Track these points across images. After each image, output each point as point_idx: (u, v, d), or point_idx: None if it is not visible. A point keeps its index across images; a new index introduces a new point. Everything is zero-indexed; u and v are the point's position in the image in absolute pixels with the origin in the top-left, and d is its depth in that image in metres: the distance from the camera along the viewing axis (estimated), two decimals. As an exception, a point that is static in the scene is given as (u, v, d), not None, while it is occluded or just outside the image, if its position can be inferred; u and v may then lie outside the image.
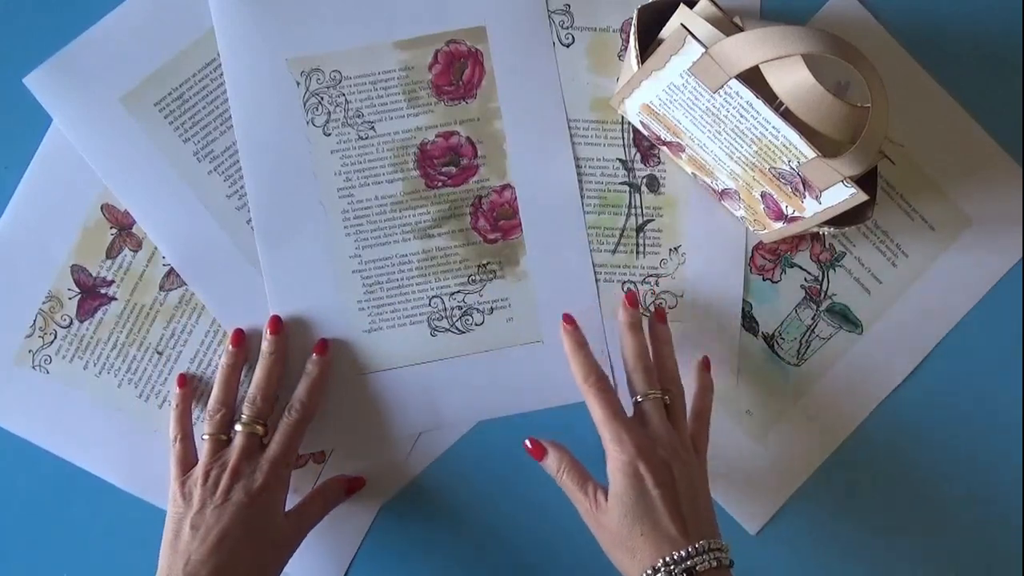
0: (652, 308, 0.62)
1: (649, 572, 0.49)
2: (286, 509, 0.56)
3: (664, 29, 0.55)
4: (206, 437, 0.56)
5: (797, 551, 0.62)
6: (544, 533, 0.62)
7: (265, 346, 0.59)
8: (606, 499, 0.52)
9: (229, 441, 0.57)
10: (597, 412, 0.54)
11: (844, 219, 0.54)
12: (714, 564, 0.49)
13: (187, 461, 0.57)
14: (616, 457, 0.52)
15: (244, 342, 0.60)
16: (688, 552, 0.48)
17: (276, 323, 0.60)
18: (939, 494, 0.63)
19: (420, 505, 0.62)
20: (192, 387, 0.60)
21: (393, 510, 0.62)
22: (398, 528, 0.62)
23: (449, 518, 0.62)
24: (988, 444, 0.63)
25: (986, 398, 0.63)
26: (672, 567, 0.48)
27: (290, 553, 0.56)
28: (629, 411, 0.55)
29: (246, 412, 0.57)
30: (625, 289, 0.62)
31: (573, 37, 0.62)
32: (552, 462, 0.55)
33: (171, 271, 0.61)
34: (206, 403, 0.58)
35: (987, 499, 0.63)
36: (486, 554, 0.62)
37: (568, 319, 0.59)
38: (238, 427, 0.56)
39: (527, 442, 0.56)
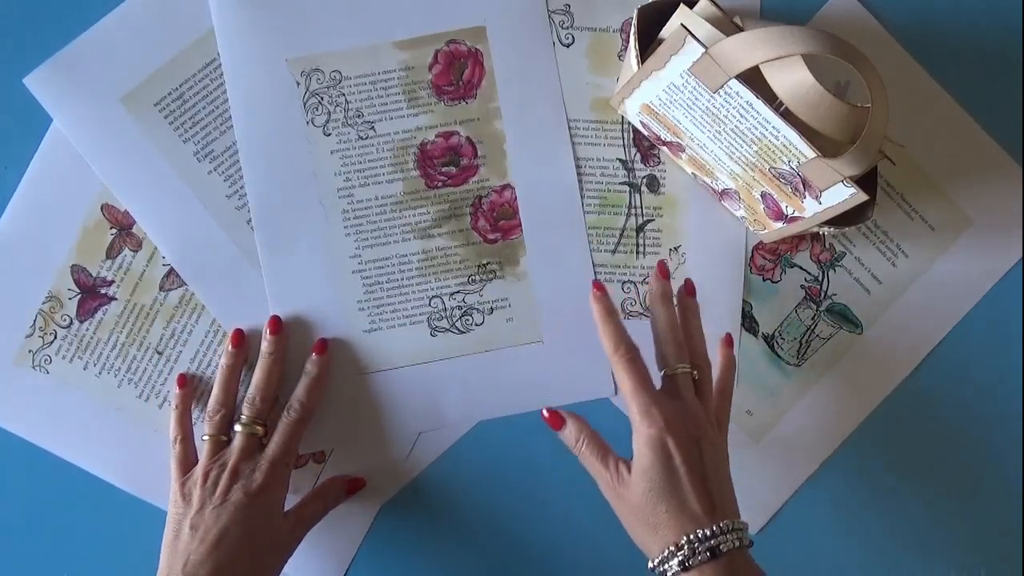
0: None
1: (672, 549, 0.48)
2: (286, 509, 0.56)
3: (664, 29, 0.55)
4: (206, 438, 0.56)
5: (797, 551, 0.62)
6: (545, 533, 0.62)
7: (265, 346, 0.59)
8: (629, 472, 0.51)
9: (229, 442, 0.57)
10: (626, 383, 0.52)
11: (844, 219, 0.54)
12: (736, 544, 0.48)
13: (187, 462, 0.57)
14: (644, 431, 0.50)
15: (244, 342, 0.60)
16: (712, 531, 0.48)
17: (276, 323, 0.59)
18: (939, 494, 0.63)
19: (420, 505, 0.62)
20: (192, 387, 0.60)
21: (393, 510, 0.62)
22: (398, 528, 0.62)
23: (449, 518, 0.62)
24: (988, 444, 0.63)
25: (986, 398, 0.63)
26: (696, 545, 0.47)
27: (289, 553, 0.56)
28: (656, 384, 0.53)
29: (245, 412, 0.57)
30: (626, 289, 0.62)
31: (573, 37, 0.62)
32: (571, 433, 0.53)
33: (171, 271, 0.61)
34: (206, 403, 0.58)
35: (987, 499, 0.63)
36: (486, 554, 0.62)
37: (598, 286, 0.57)
38: (237, 427, 0.56)
39: (544, 411, 0.55)
